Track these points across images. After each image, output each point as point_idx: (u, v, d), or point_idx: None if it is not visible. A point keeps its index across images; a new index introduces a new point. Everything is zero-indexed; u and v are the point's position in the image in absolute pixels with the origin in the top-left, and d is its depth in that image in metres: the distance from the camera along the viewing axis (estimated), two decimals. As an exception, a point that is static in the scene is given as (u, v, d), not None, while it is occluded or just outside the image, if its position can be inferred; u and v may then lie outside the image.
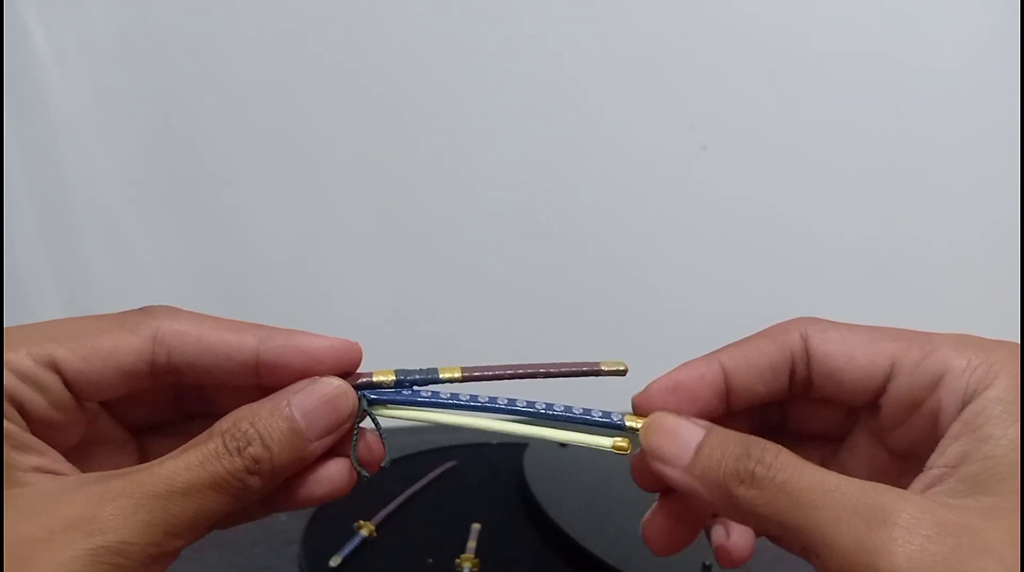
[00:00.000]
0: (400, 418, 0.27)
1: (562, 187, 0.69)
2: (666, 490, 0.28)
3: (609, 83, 0.67)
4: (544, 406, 0.31)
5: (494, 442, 0.65)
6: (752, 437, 0.23)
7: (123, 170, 0.62)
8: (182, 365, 0.24)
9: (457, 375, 0.31)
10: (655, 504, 0.28)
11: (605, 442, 0.28)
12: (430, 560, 0.48)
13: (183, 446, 0.22)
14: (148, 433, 0.27)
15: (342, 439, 0.24)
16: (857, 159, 0.73)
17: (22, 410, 0.22)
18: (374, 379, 0.27)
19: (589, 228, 0.71)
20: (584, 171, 0.69)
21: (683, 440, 0.24)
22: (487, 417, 0.29)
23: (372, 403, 0.26)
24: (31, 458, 0.22)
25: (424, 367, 0.30)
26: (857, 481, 0.22)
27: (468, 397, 0.30)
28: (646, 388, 0.28)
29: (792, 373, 0.27)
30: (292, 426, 0.22)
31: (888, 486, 0.21)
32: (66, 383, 0.23)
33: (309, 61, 0.62)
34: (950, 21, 0.71)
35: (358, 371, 0.27)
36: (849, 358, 0.25)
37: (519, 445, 0.59)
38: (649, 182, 0.70)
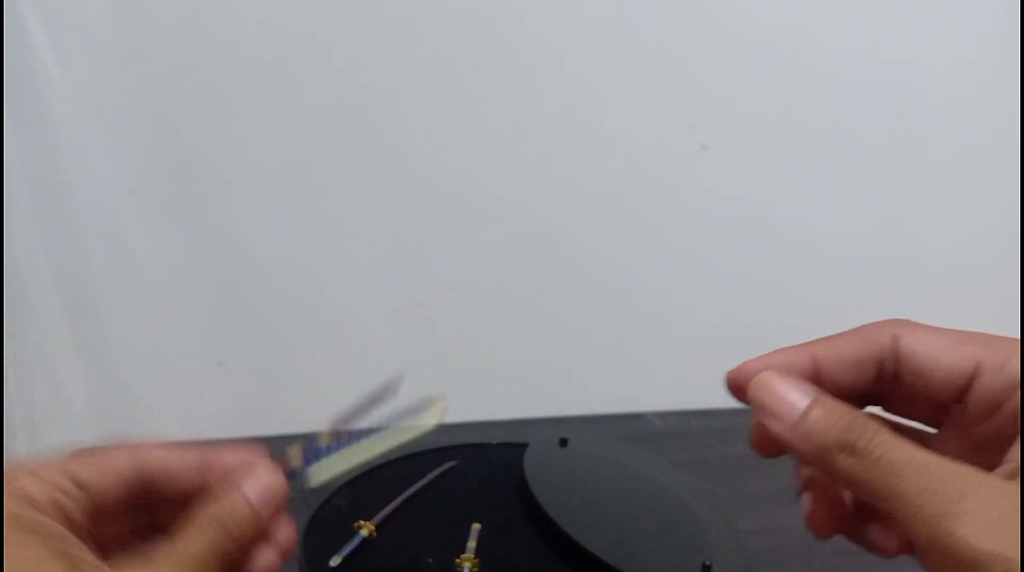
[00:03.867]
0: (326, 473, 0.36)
1: (562, 187, 0.69)
2: (808, 485, 0.31)
3: (609, 83, 0.67)
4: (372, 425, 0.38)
5: (494, 442, 0.65)
6: (856, 411, 0.26)
7: (123, 170, 0.62)
8: (159, 475, 0.30)
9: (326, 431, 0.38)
10: (807, 497, 0.31)
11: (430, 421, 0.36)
12: (430, 560, 0.48)
13: (177, 534, 0.27)
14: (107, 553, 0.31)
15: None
16: (857, 159, 0.73)
17: (64, 517, 0.27)
18: (291, 459, 0.36)
19: (589, 228, 0.71)
20: (584, 171, 0.69)
21: (789, 401, 0.27)
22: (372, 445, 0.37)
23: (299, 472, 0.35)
24: (83, 554, 0.25)
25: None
26: (945, 460, 0.24)
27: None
28: (739, 367, 0.30)
29: (880, 370, 0.29)
30: (249, 507, 0.29)
31: (971, 467, 0.24)
32: (87, 495, 0.28)
33: (309, 61, 0.62)
34: (950, 22, 0.71)
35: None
36: (935, 359, 0.28)
37: (519, 445, 0.59)
38: (649, 182, 0.70)
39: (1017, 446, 0.25)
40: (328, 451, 0.38)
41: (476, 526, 0.52)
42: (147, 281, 0.65)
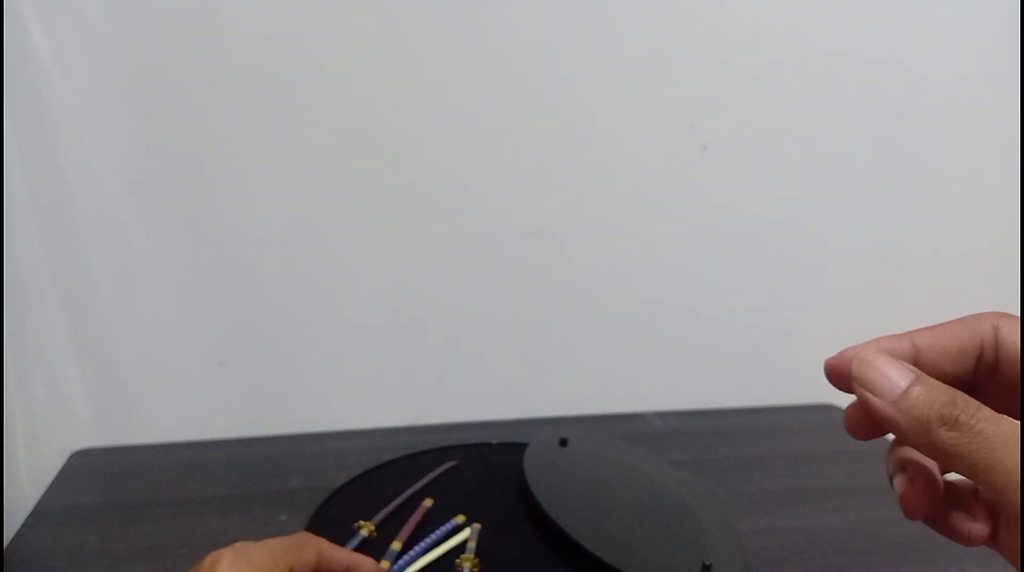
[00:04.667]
0: None
1: (562, 187, 0.69)
2: (902, 467, 0.32)
3: (609, 83, 0.67)
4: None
5: (494, 442, 0.65)
6: (957, 390, 0.27)
7: (123, 170, 0.62)
8: (323, 563, 0.38)
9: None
10: (903, 479, 0.32)
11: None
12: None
13: None
14: None
15: None
16: (856, 159, 0.73)
17: None
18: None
19: (589, 228, 0.71)
20: (585, 171, 0.69)
21: (892, 378, 0.28)
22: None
23: None
24: None
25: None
26: None
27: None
28: (839, 353, 0.31)
29: (980, 360, 0.30)
30: None
31: None
32: None
33: (310, 62, 0.62)
34: (952, 26, 0.71)
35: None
36: None
37: (519, 445, 0.59)
38: (649, 182, 0.70)
39: None
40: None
41: (476, 526, 0.52)
42: (148, 282, 0.65)
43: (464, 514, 0.53)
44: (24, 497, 0.61)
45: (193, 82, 0.61)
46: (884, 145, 0.73)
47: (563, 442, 0.60)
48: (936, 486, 0.31)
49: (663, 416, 0.76)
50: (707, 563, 0.48)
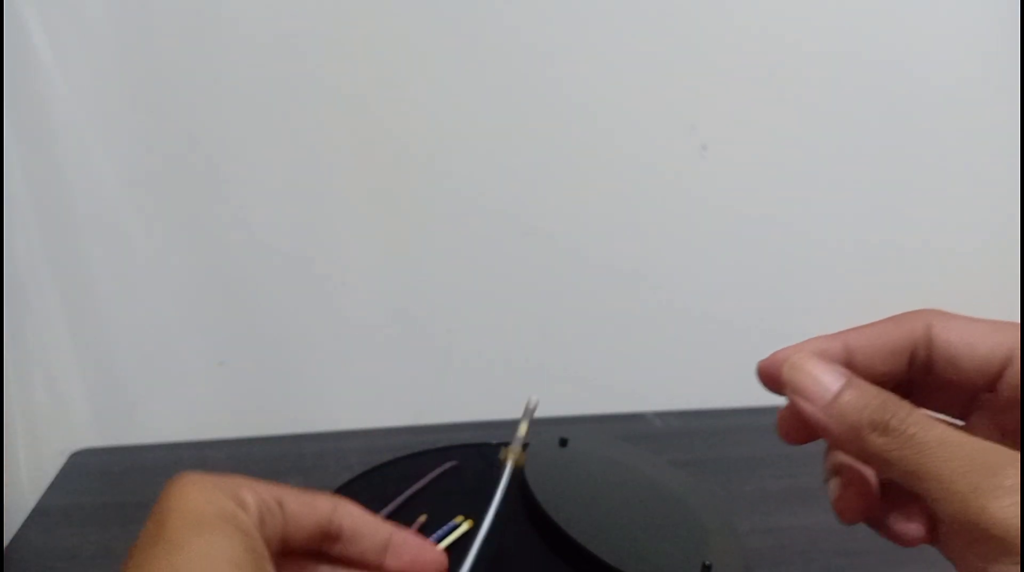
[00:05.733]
0: None
1: (562, 187, 0.69)
2: (836, 471, 0.31)
3: (609, 83, 0.67)
4: None
5: (494, 442, 0.65)
6: (889, 393, 0.26)
7: (123, 170, 0.62)
8: (345, 531, 0.32)
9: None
10: (837, 483, 0.31)
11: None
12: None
13: None
14: None
15: None
16: (857, 159, 0.73)
17: (262, 530, 0.28)
18: None
19: (589, 228, 0.71)
20: (585, 171, 0.69)
21: (823, 382, 0.27)
22: None
23: None
24: (268, 566, 0.27)
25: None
26: (977, 439, 0.24)
27: None
28: (771, 355, 0.30)
29: (913, 358, 0.29)
30: None
31: (1003, 446, 0.24)
32: (284, 521, 0.30)
33: (310, 61, 0.62)
34: (952, 25, 0.71)
35: None
36: (971, 346, 0.28)
37: (519, 445, 0.59)
38: (649, 182, 0.70)
39: None
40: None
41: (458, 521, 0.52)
42: (147, 281, 0.65)
43: (464, 514, 0.53)
44: (24, 497, 0.61)
45: (193, 82, 0.61)
46: (885, 145, 0.73)
47: (563, 442, 0.60)
48: (870, 490, 0.30)
49: (663, 416, 0.76)
50: (707, 563, 0.48)
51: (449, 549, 0.48)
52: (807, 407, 0.27)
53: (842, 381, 0.27)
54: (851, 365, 0.29)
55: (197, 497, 0.27)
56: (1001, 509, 0.22)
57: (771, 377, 0.30)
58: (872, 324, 0.30)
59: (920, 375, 0.30)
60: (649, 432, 0.73)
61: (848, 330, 0.30)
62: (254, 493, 0.28)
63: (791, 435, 0.31)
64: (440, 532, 0.51)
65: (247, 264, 0.66)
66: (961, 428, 0.30)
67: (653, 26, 0.66)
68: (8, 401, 0.62)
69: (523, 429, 0.46)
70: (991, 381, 0.28)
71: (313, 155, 0.64)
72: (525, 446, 0.48)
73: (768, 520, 0.58)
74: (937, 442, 0.24)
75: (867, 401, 0.26)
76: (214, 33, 0.60)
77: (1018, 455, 0.23)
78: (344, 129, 0.64)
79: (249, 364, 0.69)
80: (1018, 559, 0.22)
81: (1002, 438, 0.29)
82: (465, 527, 0.51)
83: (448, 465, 0.60)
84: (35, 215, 0.61)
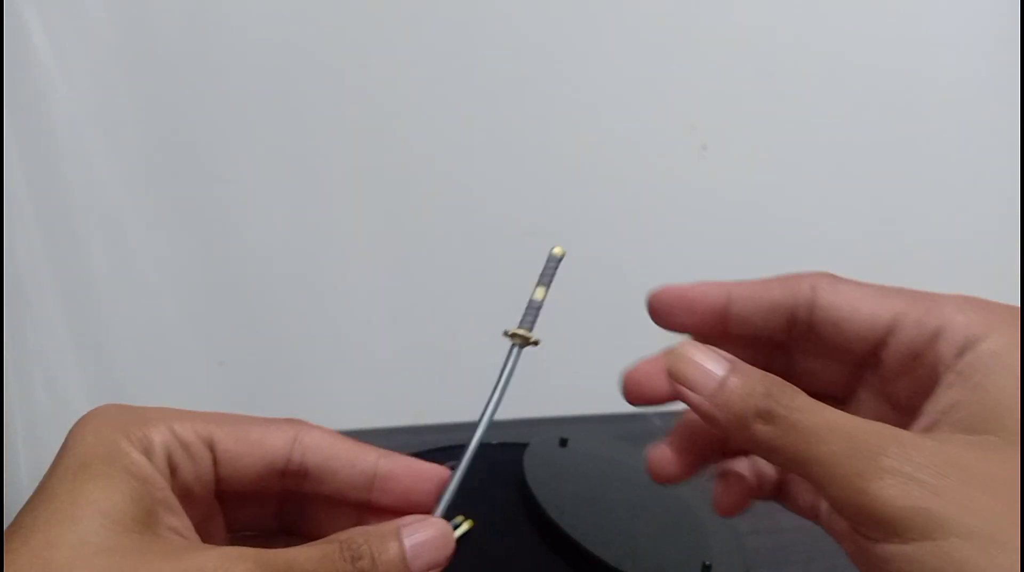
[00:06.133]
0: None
1: (562, 187, 0.69)
2: (678, 427, 0.32)
3: (609, 83, 0.67)
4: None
5: (494, 442, 0.65)
6: (774, 377, 0.25)
7: (123, 171, 0.62)
8: (312, 467, 0.27)
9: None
10: (667, 437, 0.32)
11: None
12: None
13: (305, 545, 0.24)
14: (242, 542, 0.28)
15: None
16: (857, 159, 0.73)
17: (174, 475, 0.25)
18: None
19: (589, 228, 0.71)
20: (584, 171, 0.69)
21: (708, 371, 0.26)
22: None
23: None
24: (171, 518, 0.24)
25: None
26: (861, 420, 0.24)
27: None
28: (660, 289, 0.31)
29: (794, 318, 0.29)
30: (400, 552, 0.25)
31: (888, 425, 0.24)
32: (215, 462, 0.26)
33: (310, 64, 0.62)
34: (950, 23, 0.71)
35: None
36: (854, 310, 0.28)
37: (519, 445, 0.59)
38: (649, 182, 0.70)
39: (935, 399, 0.25)
40: None
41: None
42: (148, 282, 0.65)
43: (464, 514, 0.53)
44: (24, 497, 0.61)
45: (194, 83, 0.61)
46: (885, 145, 0.73)
47: (563, 442, 0.60)
48: (744, 483, 0.31)
49: (663, 416, 0.76)
50: (707, 563, 0.48)
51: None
52: (693, 397, 0.26)
53: (727, 368, 0.26)
54: (729, 315, 0.29)
55: (90, 436, 0.24)
56: (883, 490, 0.22)
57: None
58: (759, 279, 0.30)
59: (800, 338, 0.29)
60: (649, 432, 0.72)
61: (734, 282, 0.30)
62: (167, 431, 0.25)
63: (634, 397, 0.31)
64: None
65: (247, 264, 0.66)
66: (847, 404, 0.30)
67: (653, 26, 0.66)
68: (8, 401, 0.62)
69: (539, 293, 0.36)
70: (874, 348, 0.27)
71: (314, 155, 0.64)
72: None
73: (768, 520, 0.58)
74: (820, 427, 0.23)
75: (752, 387, 0.25)
76: (214, 34, 0.60)
77: (901, 432, 0.23)
78: (346, 129, 0.64)
79: (249, 364, 0.69)
80: (903, 538, 0.21)
81: (892, 411, 0.28)
82: (465, 527, 0.51)
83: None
84: (35, 215, 0.61)
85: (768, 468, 0.32)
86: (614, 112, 0.68)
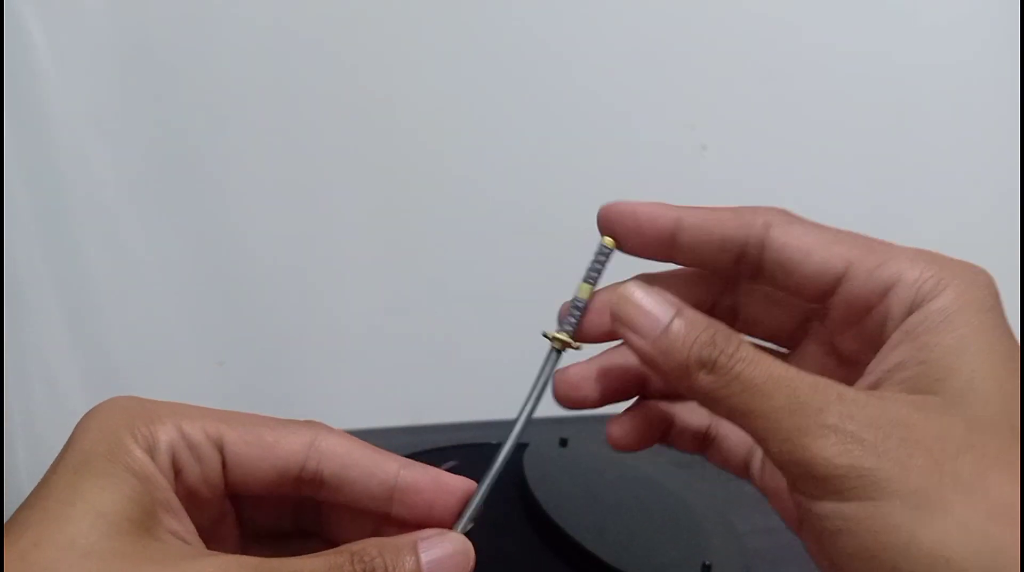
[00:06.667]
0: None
1: (562, 187, 0.69)
2: (642, 396, 0.31)
3: (608, 82, 0.67)
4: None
5: (494, 442, 0.65)
6: (719, 325, 0.24)
7: (122, 170, 0.62)
8: (328, 475, 0.25)
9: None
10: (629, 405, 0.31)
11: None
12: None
13: (313, 554, 0.23)
14: (256, 544, 0.28)
15: None
16: (857, 159, 0.73)
17: (179, 476, 0.24)
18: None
19: (589, 227, 0.70)
20: (584, 171, 0.69)
21: (653, 315, 0.25)
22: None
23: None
24: (172, 520, 0.23)
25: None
26: (806, 375, 0.23)
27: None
28: (611, 203, 0.30)
29: (743, 255, 0.27)
30: (416, 567, 0.23)
31: (833, 381, 0.23)
32: (224, 465, 0.25)
33: (307, 62, 0.62)
34: (948, 18, 0.71)
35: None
36: (806, 253, 0.26)
37: (519, 445, 0.59)
38: (648, 182, 0.70)
39: (881, 357, 0.24)
40: None
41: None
42: (147, 281, 0.65)
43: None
44: (23, 495, 0.61)
45: (192, 82, 0.61)
46: (885, 145, 0.73)
47: (563, 442, 0.60)
48: (644, 418, 0.31)
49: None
50: (707, 563, 0.48)
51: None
52: (637, 342, 0.25)
53: (672, 312, 0.25)
54: (676, 240, 0.28)
55: (95, 431, 0.23)
56: (824, 448, 0.21)
57: (607, 221, 0.29)
58: (714, 208, 0.28)
59: (748, 275, 0.28)
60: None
61: (687, 206, 0.28)
62: (175, 430, 0.24)
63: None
64: None
65: (247, 264, 0.66)
66: (792, 355, 0.29)
67: (653, 26, 0.66)
68: (8, 401, 0.62)
69: (584, 291, 0.32)
70: (821, 295, 0.26)
71: (313, 154, 0.64)
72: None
73: (768, 520, 0.57)
74: (763, 379, 0.23)
75: (695, 334, 0.24)
76: (213, 34, 0.60)
77: (844, 389, 0.23)
78: (344, 128, 0.64)
79: (249, 364, 0.69)
80: (841, 496, 0.21)
81: (838, 365, 0.28)
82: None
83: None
84: (34, 215, 0.61)
85: (695, 419, 0.32)
86: (614, 111, 0.68)
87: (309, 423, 0.27)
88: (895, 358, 0.24)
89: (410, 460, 0.27)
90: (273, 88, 0.62)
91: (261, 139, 0.63)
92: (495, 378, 0.76)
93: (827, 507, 0.22)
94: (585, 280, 0.30)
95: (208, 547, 0.24)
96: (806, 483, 0.22)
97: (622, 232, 0.30)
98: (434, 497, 0.27)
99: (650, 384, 0.31)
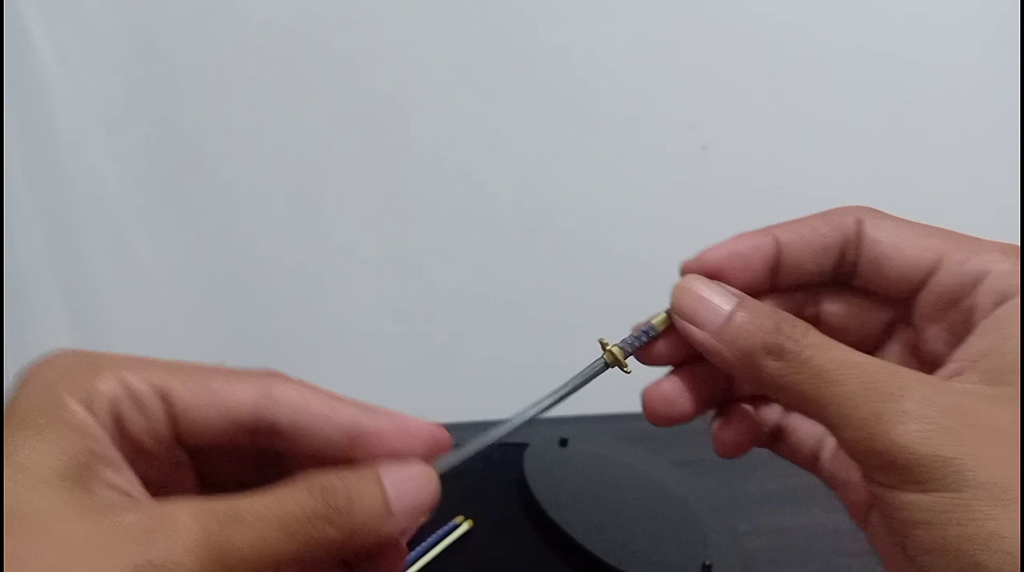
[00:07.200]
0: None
1: (563, 187, 0.69)
2: (678, 364, 0.28)
3: (609, 83, 0.67)
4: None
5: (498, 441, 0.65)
6: (783, 312, 0.24)
7: (124, 170, 0.62)
8: (284, 424, 0.24)
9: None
10: (666, 374, 0.29)
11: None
12: (430, 560, 0.48)
13: (263, 490, 0.21)
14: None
15: None
16: (858, 159, 0.73)
17: (121, 428, 0.22)
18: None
19: (589, 228, 0.71)
20: (585, 171, 0.69)
21: (714, 305, 0.25)
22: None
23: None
24: (108, 472, 0.21)
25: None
26: (880, 361, 0.22)
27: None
28: (699, 255, 0.27)
29: (842, 256, 0.27)
30: (380, 491, 0.22)
31: (908, 369, 0.22)
32: (172, 417, 0.23)
33: (311, 62, 0.62)
34: (950, 17, 0.71)
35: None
36: (898, 248, 0.26)
37: (519, 445, 0.59)
38: (649, 182, 0.70)
39: (966, 346, 0.23)
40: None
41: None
42: (147, 281, 0.65)
43: (464, 514, 0.53)
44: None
45: (195, 82, 0.61)
46: (886, 145, 0.73)
47: (563, 442, 0.60)
48: (748, 421, 0.29)
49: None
50: (707, 563, 0.48)
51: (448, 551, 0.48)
52: (697, 334, 0.25)
53: (734, 302, 0.24)
54: (780, 262, 0.27)
55: (34, 385, 0.22)
56: (905, 435, 0.20)
57: (710, 274, 0.27)
58: (802, 218, 0.28)
59: (847, 277, 0.27)
60: (649, 432, 0.72)
61: (778, 225, 0.28)
62: (116, 381, 0.22)
63: (649, 357, 0.28)
64: (440, 532, 0.51)
65: (247, 264, 0.66)
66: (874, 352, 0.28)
67: (653, 26, 0.66)
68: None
69: (660, 321, 0.28)
70: (913, 290, 0.26)
71: (314, 155, 0.64)
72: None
73: (768, 520, 0.58)
74: (835, 364, 0.22)
75: (760, 322, 0.23)
76: (216, 34, 0.60)
77: (923, 376, 0.22)
78: (346, 129, 0.64)
79: (249, 364, 0.69)
80: (921, 487, 0.20)
81: (920, 366, 0.26)
82: (465, 527, 0.51)
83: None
84: (36, 215, 0.61)
85: (764, 415, 0.30)
86: (614, 112, 0.68)
87: (264, 372, 0.25)
88: (980, 347, 0.23)
89: (373, 405, 0.26)
90: (276, 88, 0.62)
91: (264, 139, 0.63)
92: (495, 379, 0.76)
93: (906, 497, 0.21)
94: (668, 311, 0.28)
95: (161, 499, 0.22)
96: (884, 472, 0.21)
97: (730, 274, 0.27)
98: (398, 441, 0.25)
99: (736, 389, 0.30)
